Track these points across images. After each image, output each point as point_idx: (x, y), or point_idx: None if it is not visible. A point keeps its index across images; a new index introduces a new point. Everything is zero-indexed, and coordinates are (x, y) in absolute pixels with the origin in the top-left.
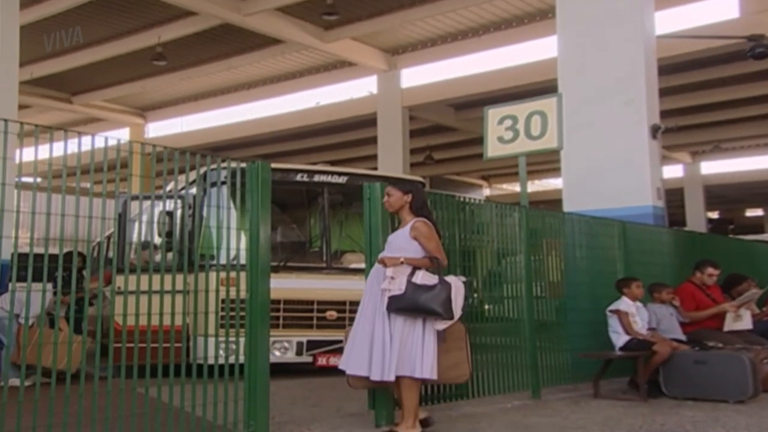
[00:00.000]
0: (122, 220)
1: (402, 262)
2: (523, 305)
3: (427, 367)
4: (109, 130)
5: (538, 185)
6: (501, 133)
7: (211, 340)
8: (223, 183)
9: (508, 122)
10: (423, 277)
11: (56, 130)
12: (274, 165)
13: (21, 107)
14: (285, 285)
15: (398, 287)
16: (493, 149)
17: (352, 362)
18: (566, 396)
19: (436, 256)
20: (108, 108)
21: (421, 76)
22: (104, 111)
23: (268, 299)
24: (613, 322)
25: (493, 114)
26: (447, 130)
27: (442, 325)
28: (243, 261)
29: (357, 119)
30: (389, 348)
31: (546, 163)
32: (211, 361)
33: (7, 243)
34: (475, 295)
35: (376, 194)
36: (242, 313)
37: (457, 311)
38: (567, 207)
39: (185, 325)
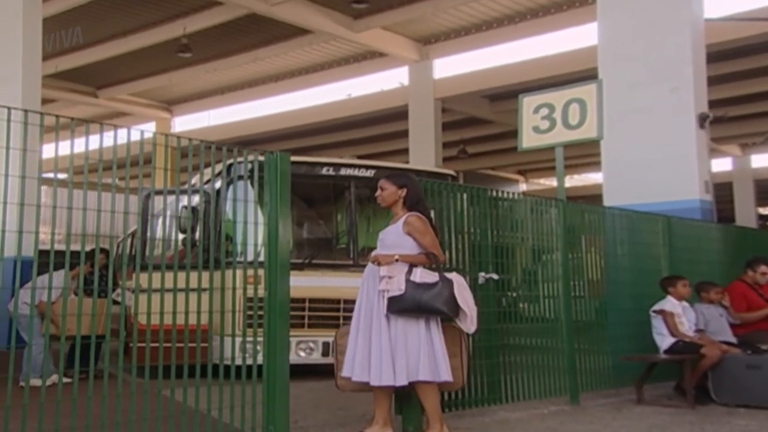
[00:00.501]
0: (144, 216)
1: (397, 260)
2: (560, 305)
3: (444, 370)
4: (135, 124)
5: (577, 180)
6: (536, 123)
7: (230, 340)
8: (240, 177)
9: (545, 111)
10: (422, 275)
11: (63, 118)
12: (296, 158)
13: (46, 101)
14: (310, 283)
15: (398, 287)
16: (528, 140)
17: (357, 368)
18: (607, 402)
19: (432, 252)
20: (134, 102)
21: (454, 66)
22: (130, 105)
23: (288, 297)
24: (658, 323)
25: (528, 102)
26: (481, 123)
27: (473, 327)
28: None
29: (388, 112)
30: (395, 352)
31: (585, 156)
32: (230, 362)
33: (29, 239)
34: (513, 294)
35: None
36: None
37: (470, 308)
38: (608, 201)
39: (198, 323)
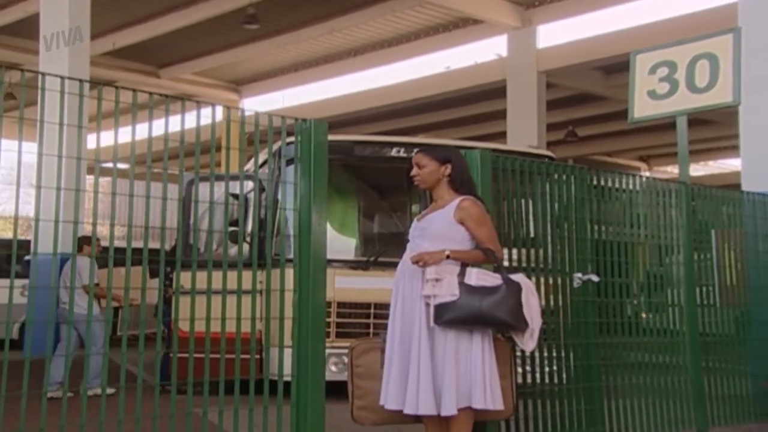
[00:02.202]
0: (186, 205)
1: (448, 256)
2: (683, 315)
3: (496, 396)
4: (201, 107)
5: (712, 167)
6: (653, 86)
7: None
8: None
9: (663, 71)
10: (478, 277)
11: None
12: (362, 138)
13: (106, 83)
14: (376, 285)
15: (449, 292)
16: (642, 108)
17: (392, 394)
18: None
19: (489, 248)
20: (198, 82)
21: (561, 33)
22: (194, 86)
23: (324, 300)
24: None
25: (643, 60)
26: (594, 100)
27: (532, 344)
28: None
29: (482, 88)
30: (444, 373)
31: (722, 138)
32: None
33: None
34: (630, 301)
35: (476, 164)
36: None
37: (535, 321)
38: (748, 185)
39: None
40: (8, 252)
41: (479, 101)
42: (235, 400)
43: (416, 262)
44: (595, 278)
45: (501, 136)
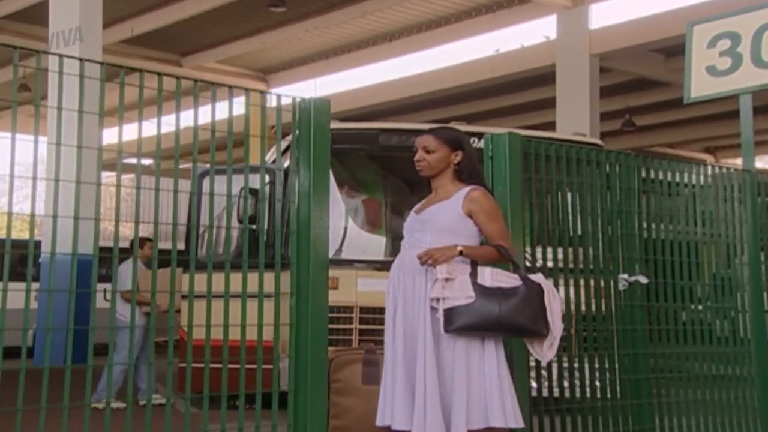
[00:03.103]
0: (197, 201)
1: (461, 252)
2: (747, 321)
3: (517, 412)
4: (226, 97)
5: None
6: (713, 62)
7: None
8: None
9: (725, 43)
10: (493, 277)
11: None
12: (387, 125)
13: (129, 68)
14: None
15: (463, 294)
16: (700, 87)
17: (399, 412)
18: None
19: (501, 245)
20: (223, 71)
21: (616, 12)
22: (219, 75)
23: (326, 304)
24: None
25: (702, 32)
26: (654, 86)
27: (551, 354)
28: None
29: (530, 74)
30: (453, 388)
31: None
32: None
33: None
34: (699, 306)
35: (504, 150)
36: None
37: (556, 328)
38: None
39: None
40: (22, 252)
41: (526, 88)
42: (222, 419)
43: (425, 261)
44: (643, 280)
45: (550, 126)
